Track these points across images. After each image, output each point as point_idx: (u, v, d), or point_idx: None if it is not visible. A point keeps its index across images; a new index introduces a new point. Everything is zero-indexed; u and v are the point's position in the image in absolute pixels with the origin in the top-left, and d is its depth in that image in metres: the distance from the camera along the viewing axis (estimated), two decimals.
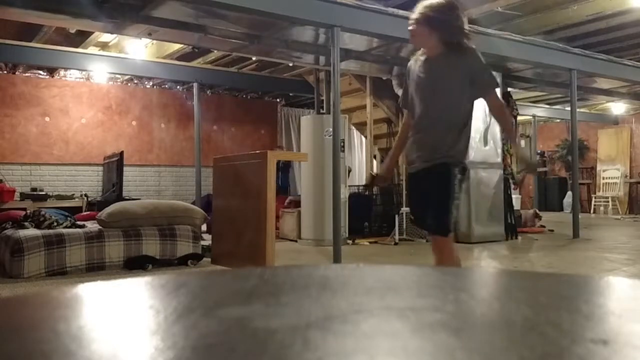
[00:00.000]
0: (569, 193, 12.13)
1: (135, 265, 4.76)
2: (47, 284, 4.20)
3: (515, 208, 8.02)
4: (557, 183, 13.98)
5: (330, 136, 6.07)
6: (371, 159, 9.73)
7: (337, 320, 0.46)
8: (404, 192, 7.70)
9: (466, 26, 2.53)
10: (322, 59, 7.10)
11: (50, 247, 4.50)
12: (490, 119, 7.25)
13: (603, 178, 13.08)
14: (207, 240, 5.51)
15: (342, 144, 6.44)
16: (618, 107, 12.85)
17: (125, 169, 7.64)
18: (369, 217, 7.97)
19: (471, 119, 2.58)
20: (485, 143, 7.16)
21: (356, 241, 7.00)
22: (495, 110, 2.69)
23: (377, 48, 6.71)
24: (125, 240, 4.81)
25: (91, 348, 0.41)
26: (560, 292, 0.62)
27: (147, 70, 8.63)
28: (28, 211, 5.37)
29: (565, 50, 7.50)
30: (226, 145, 10.68)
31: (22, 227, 4.82)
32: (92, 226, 4.98)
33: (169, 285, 0.62)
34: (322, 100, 8.68)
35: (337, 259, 5.20)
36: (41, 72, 9.23)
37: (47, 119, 9.18)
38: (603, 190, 12.96)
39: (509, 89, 8.16)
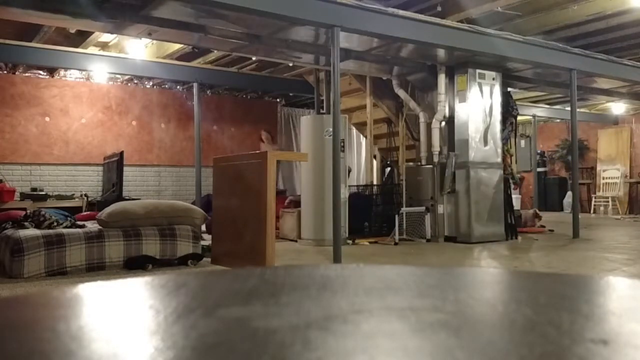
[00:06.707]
0: (569, 193, 12.13)
1: (135, 265, 4.76)
2: (47, 284, 4.20)
3: (515, 208, 8.02)
4: (557, 183, 13.98)
5: (330, 136, 6.07)
6: (371, 159, 9.73)
7: (337, 320, 0.46)
8: (404, 192, 7.70)
9: None
10: (322, 59, 7.09)
11: (50, 247, 4.50)
12: (490, 119, 7.26)
13: (603, 178, 13.07)
14: (207, 240, 5.51)
15: (342, 144, 6.43)
16: (618, 107, 12.84)
17: (125, 169, 7.64)
18: (369, 217, 7.97)
19: None
20: (485, 143, 7.17)
21: (356, 241, 6.99)
22: None
23: (377, 48, 6.70)
24: (125, 240, 4.81)
25: (91, 348, 0.41)
26: (560, 292, 0.62)
27: (147, 70, 8.63)
28: (28, 211, 5.36)
29: (565, 50, 7.50)
30: (226, 145, 10.68)
31: (22, 227, 4.82)
32: (92, 226, 4.98)
33: (169, 285, 0.62)
34: (322, 100, 8.68)
35: (337, 259, 5.20)
36: (41, 72, 9.23)
37: (47, 119, 9.18)
38: (603, 190, 12.95)
39: (509, 89, 8.16)
